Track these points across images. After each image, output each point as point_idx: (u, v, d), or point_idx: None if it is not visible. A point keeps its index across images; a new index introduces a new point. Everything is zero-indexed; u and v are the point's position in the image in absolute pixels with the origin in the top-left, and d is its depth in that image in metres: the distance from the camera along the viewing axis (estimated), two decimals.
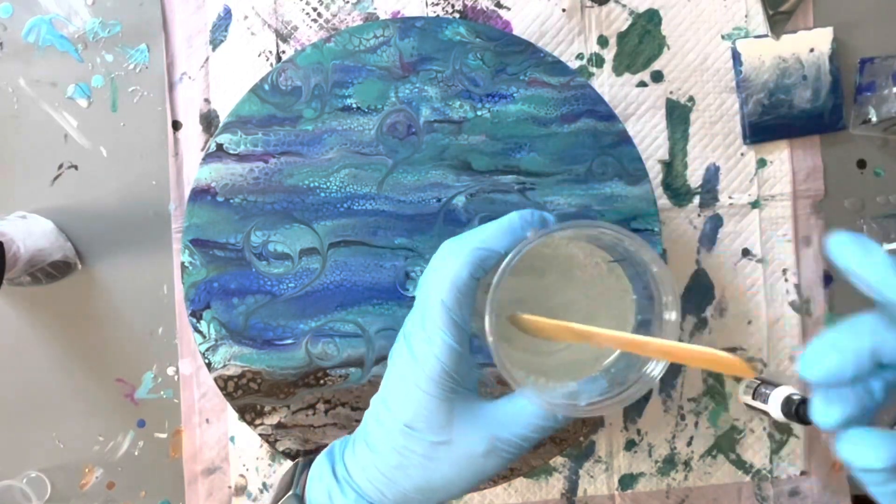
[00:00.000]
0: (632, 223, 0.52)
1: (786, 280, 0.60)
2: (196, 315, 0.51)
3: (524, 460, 0.52)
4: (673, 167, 0.60)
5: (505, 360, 0.30)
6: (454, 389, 0.32)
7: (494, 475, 0.34)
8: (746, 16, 0.60)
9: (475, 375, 0.34)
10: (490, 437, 0.32)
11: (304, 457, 0.42)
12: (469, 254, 0.33)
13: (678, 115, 0.60)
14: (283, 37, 0.58)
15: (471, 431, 0.32)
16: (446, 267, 0.33)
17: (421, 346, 0.33)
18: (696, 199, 0.60)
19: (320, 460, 0.37)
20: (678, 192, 0.60)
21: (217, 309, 0.51)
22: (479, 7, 0.59)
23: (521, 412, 0.33)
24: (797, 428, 0.60)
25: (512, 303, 0.33)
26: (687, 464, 0.60)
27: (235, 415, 0.55)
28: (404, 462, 0.33)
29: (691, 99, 0.60)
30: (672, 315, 0.32)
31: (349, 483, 0.35)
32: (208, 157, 0.52)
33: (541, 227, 0.34)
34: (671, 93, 0.60)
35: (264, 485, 0.58)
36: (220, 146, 0.52)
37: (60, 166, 0.58)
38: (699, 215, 0.60)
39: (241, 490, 0.58)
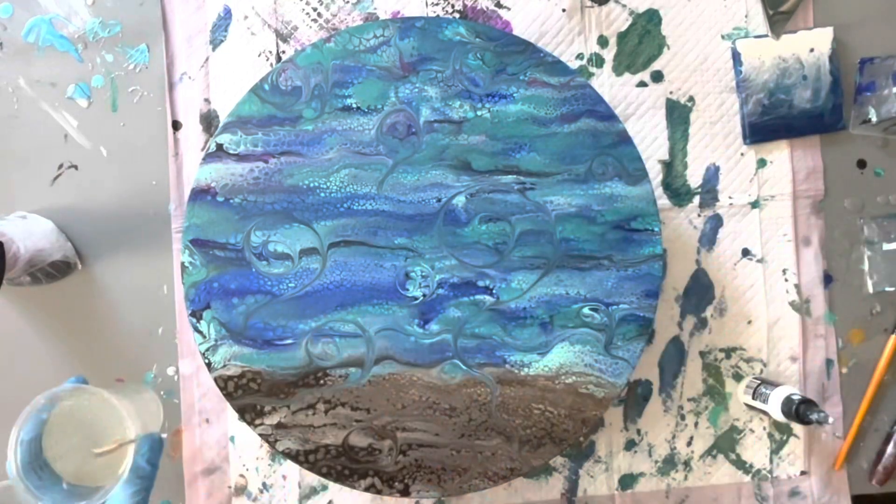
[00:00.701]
0: (632, 223, 0.52)
1: (786, 280, 0.60)
2: (196, 315, 0.51)
3: (524, 460, 0.52)
4: (673, 167, 0.60)
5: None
6: None
7: None
8: (746, 16, 0.60)
9: None
10: None
11: None
12: None
13: (678, 115, 0.60)
14: (283, 37, 0.58)
15: None
16: None
17: None
18: (696, 199, 0.60)
19: None
20: (678, 192, 0.60)
21: (217, 309, 0.51)
22: (479, 7, 0.59)
23: None
24: (797, 428, 0.60)
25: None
26: (687, 464, 0.60)
27: (235, 415, 0.55)
28: None
29: (691, 99, 0.60)
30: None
31: None
32: (208, 157, 0.52)
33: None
34: (671, 93, 0.60)
35: (264, 485, 0.58)
36: (220, 146, 0.52)
37: (60, 166, 0.58)
38: (699, 215, 0.60)
39: (241, 490, 0.58)
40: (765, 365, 0.60)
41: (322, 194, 0.52)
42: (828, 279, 0.60)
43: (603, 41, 0.59)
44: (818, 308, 0.60)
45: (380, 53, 0.52)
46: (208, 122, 0.58)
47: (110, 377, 0.57)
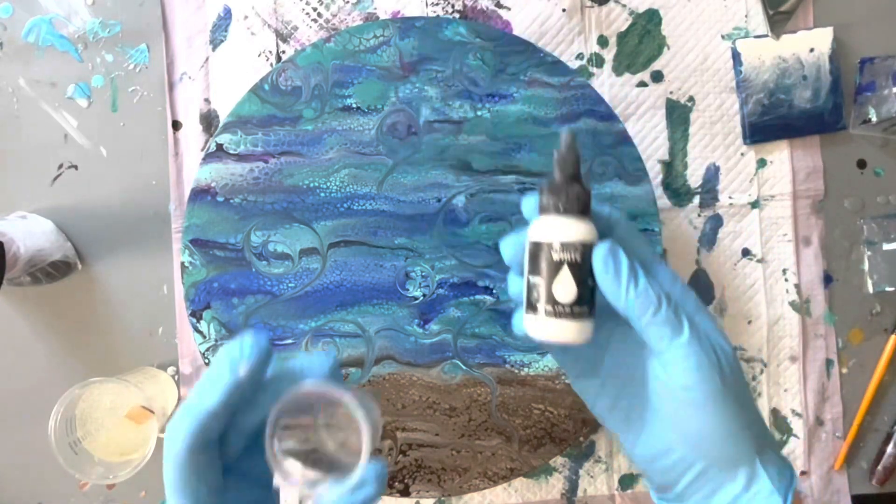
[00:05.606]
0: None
1: (786, 280, 0.60)
2: (196, 315, 0.51)
3: (524, 460, 0.52)
4: (673, 167, 0.60)
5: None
6: None
7: None
8: (746, 16, 0.60)
9: None
10: None
11: None
12: (180, 428, 0.29)
13: (678, 115, 0.60)
14: (283, 37, 0.58)
15: None
16: (166, 447, 0.30)
17: None
18: (696, 199, 0.60)
19: None
20: (678, 192, 0.60)
21: (217, 309, 0.51)
22: (479, 7, 0.59)
23: None
24: (797, 428, 0.60)
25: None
26: None
27: None
28: None
29: (691, 99, 0.60)
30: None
31: None
32: (208, 157, 0.52)
33: (254, 357, 0.30)
34: (671, 93, 0.60)
35: None
36: (220, 146, 0.52)
37: (60, 166, 0.58)
38: (699, 215, 0.60)
39: None
40: (765, 365, 0.60)
41: (322, 194, 0.52)
42: (828, 279, 0.60)
43: (603, 41, 0.59)
44: (818, 308, 0.60)
45: (380, 53, 0.52)
46: (208, 122, 0.58)
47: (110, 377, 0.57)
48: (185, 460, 0.29)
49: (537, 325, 0.32)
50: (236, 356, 0.29)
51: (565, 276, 0.31)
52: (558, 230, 0.32)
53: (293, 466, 0.30)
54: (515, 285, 0.35)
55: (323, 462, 0.31)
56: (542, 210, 0.32)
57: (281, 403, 0.29)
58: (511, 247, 0.34)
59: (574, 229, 0.32)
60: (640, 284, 0.31)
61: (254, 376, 0.30)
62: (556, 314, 0.32)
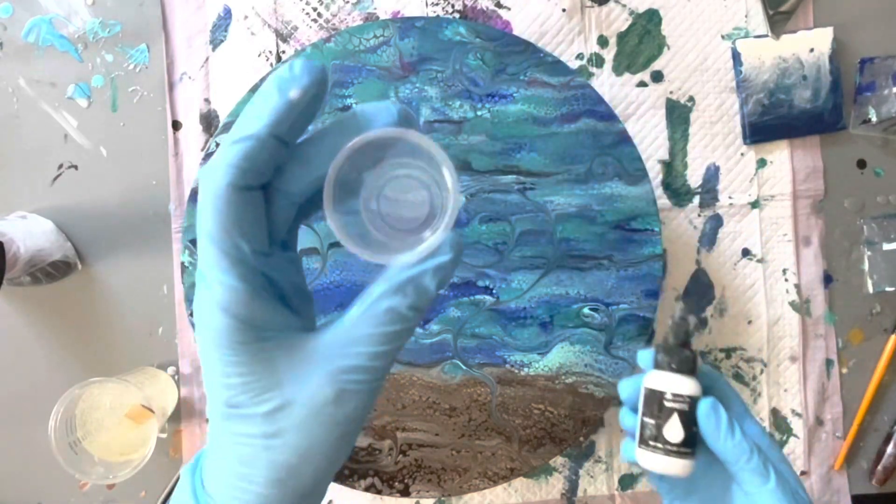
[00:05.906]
0: (632, 223, 0.52)
1: (786, 280, 0.60)
2: None
3: (524, 460, 0.52)
4: (673, 167, 0.60)
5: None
6: (261, 337, 0.25)
7: (363, 421, 0.26)
8: (746, 16, 0.60)
9: (284, 309, 0.26)
10: (332, 373, 0.24)
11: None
12: (223, 157, 0.24)
13: (678, 115, 0.60)
14: (283, 37, 0.58)
15: (306, 378, 0.24)
16: (202, 187, 0.24)
17: (201, 301, 0.25)
18: (696, 199, 0.60)
19: (182, 475, 0.28)
20: (678, 192, 0.60)
21: None
22: (479, 7, 0.59)
23: (359, 325, 0.25)
24: (797, 428, 0.60)
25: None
26: None
27: None
28: (246, 453, 0.25)
29: (691, 99, 0.60)
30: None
31: (207, 500, 0.26)
32: (208, 157, 0.52)
33: (307, 78, 0.24)
34: (671, 93, 0.60)
35: None
36: (219, 146, 0.52)
37: (60, 166, 0.58)
38: (699, 215, 0.60)
39: None
40: (765, 365, 0.60)
41: None
42: (828, 279, 0.60)
43: (603, 41, 0.59)
44: (818, 308, 0.60)
45: (380, 53, 0.52)
46: (208, 122, 0.58)
47: (110, 377, 0.57)
48: (227, 201, 0.24)
49: (649, 459, 0.39)
50: (286, 77, 0.24)
51: (675, 421, 0.38)
52: (671, 383, 0.39)
53: (357, 230, 0.26)
54: (629, 420, 0.42)
55: (392, 221, 0.28)
56: (658, 366, 0.40)
57: (343, 153, 0.24)
58: (629, 389, 0.41)
59: (684, 384, 0.39)
60: (737, 436, 0.38)
61: (307, 103, 0.24)
62: (666, 452, 0.38)
